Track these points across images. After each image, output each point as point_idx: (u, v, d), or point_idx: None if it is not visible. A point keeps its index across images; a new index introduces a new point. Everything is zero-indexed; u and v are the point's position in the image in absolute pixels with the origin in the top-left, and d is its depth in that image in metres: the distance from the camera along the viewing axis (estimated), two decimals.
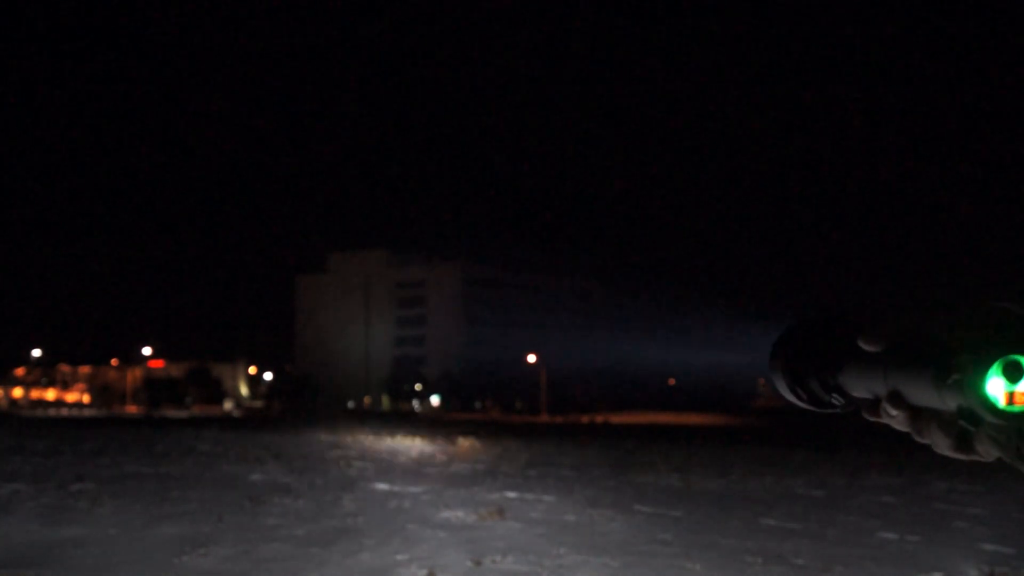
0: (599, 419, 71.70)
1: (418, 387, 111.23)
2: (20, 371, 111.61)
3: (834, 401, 0.79)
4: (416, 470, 15.38)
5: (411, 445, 22.34)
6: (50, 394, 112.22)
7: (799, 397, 0.81)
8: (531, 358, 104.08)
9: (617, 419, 70.70)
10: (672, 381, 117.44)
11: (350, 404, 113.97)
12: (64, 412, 78.08)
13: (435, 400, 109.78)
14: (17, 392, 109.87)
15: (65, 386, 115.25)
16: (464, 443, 23.29)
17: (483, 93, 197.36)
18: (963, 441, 0.66)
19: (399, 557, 7.45)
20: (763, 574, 7.01)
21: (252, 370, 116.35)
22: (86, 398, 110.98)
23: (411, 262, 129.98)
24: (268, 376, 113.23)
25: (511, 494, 11.96)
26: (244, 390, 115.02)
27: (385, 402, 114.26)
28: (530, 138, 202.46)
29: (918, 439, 0.70)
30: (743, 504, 11.36)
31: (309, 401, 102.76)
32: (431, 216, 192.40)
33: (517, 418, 78.30)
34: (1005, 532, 9.14)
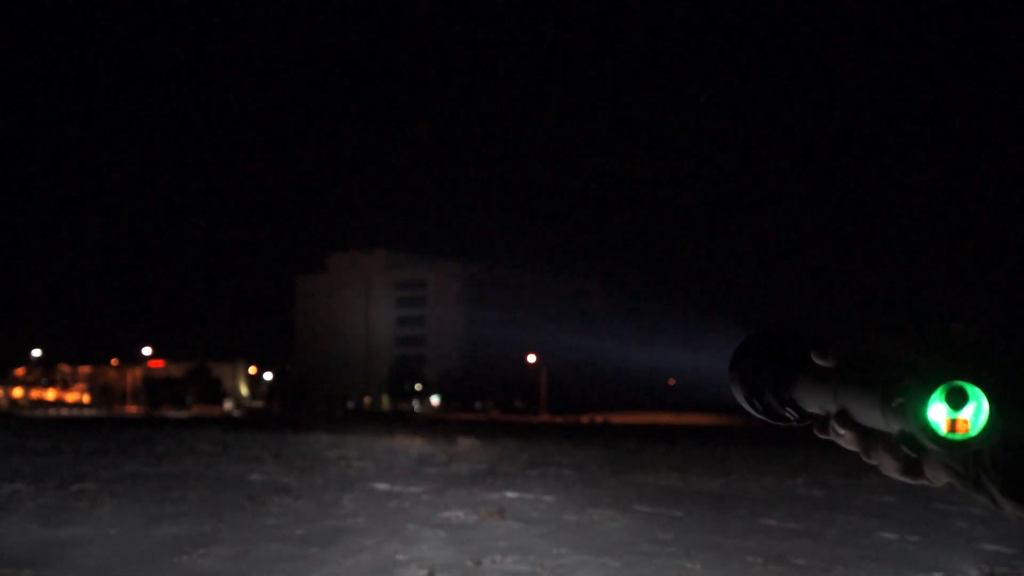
0: (599, 419, 71.72)
1: (418, 387, 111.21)
2: (20, 371, 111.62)
3: (788, 415, 0.77)
4: (416, 470, 15.37)
5: (411, 445, 22.34)
6: (50, 394, 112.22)
7: (755, 408, 0.79)
8: (531, 358, 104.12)
9: (617, 419, 70.72)
10: (672, 381, 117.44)
11: (350, 404, 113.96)
12: (64, 412, 78.05)
13: (435, 400, 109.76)
14: (17, 392, 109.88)
15: (65, 386, 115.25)
16: (464, 443, 23.29)
17: (483, 93, 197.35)
18: (910, 465, 0.64)
19: (399, 557, 7.44)
20: (763, 574, 7.01)
21: (252, 370, 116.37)
22: (86, 398, 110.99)
23: (411, 262, 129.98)
24: (268, 376, 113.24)
25: (511, 494, 11.96)
26: (244, 390, 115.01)
27: (385, 402, 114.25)
28: (530, 138, 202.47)
29: (866, 460, 0.68)
30: (743, 504, 11.36)
31: (309, 401, 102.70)
32: (431, 216, 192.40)
33: (517, 418, 78.30)
34: (1005, 532, 9.14)
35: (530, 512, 10.22)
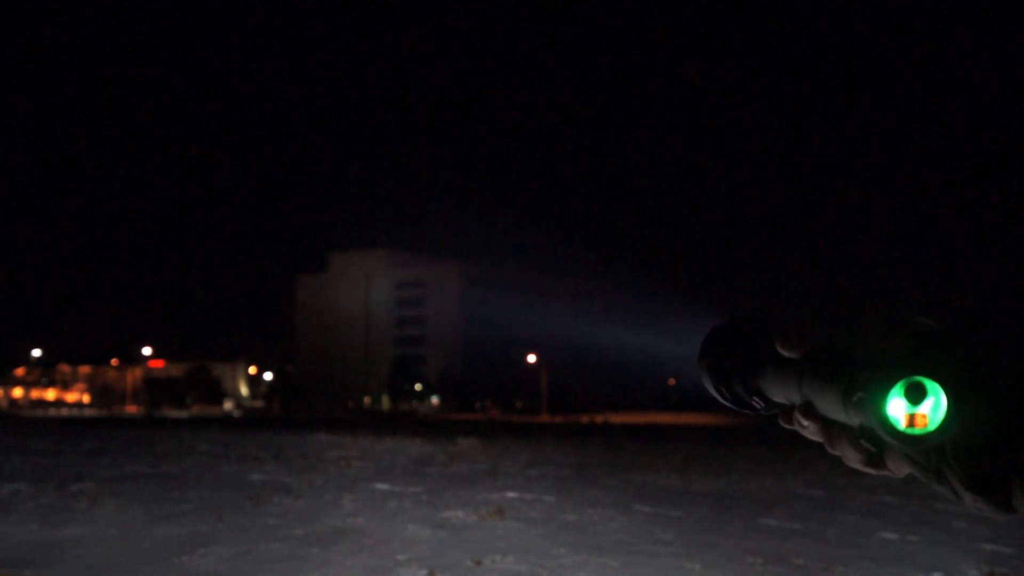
0: (599, 419, 71.70)
1: (418, 387, 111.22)
2: (20, 371, 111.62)
3: (755, 404, 0.77)
4: (416, 470, 15.37)
5: (411, 445, 22.34)
6: (50, 394, 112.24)
7: (723, 397, 0.80)
8: (531, 358, 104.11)
9: (617, 419, 70.70)
10: (672, 381, 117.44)
11: (350, 404, 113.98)
12: (64, 412, 78.02)
13: (435, 400, 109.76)
14: (17, 392, 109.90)
15: (65, 386, 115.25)
16: (464, 443, 23.28)
17: (483, 93, 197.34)
18: (873, 457, 0.64)
19: (399, 557, 7.44)
20: (763, 574, 7.01)
21: (252, 370, 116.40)
22: (86, 398, 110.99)
23: (411, 262, 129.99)
24: (268, 376, 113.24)
25: (511, 494, 11.96)
26: (244, 390, 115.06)
27: (385, 402, 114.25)
28: (530, 138, 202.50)
29: (830, 451, 0.68)
30: (743, 504, 11.35)
31: (309, 401, 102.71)
32: (431, 216, 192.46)
33: (517, 418, 78.29)
34: (1005, 532, 9.14)
35: (530, 512, 10.22)
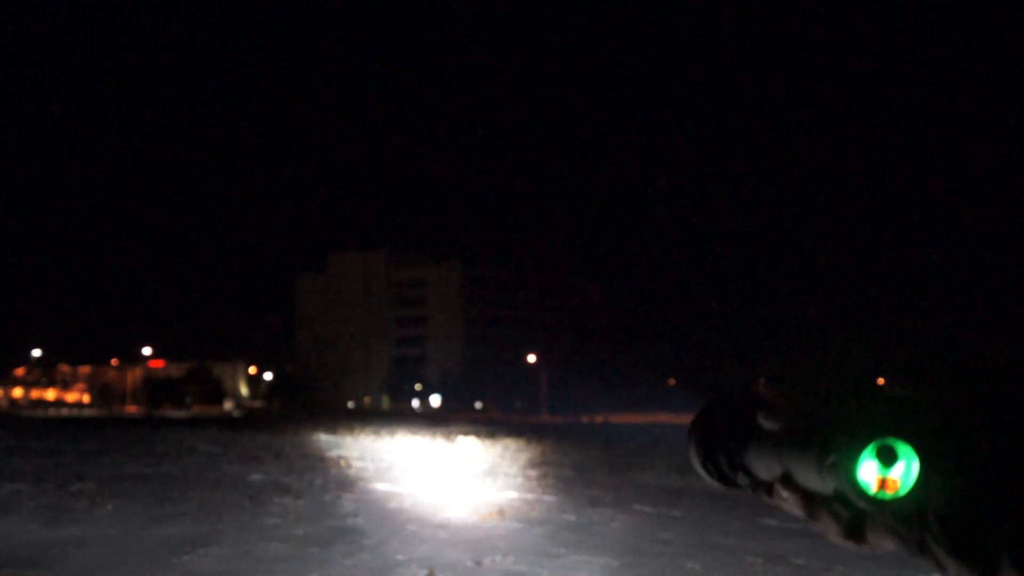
0: (599, 419, 71.69)
1: (418, 387, 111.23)
2: (20, 371, 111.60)
3: (739, 481, 0.75)
4: (416, 470, 15.38)
5: (411, 445, 22.34)
6: (50, 394, 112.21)
7: (709, 473, 0.78)
8: (531, 358, 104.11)
9: (617, 419, 70.71)
10: (672, 381, 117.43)
11: (350, 404, 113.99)
12: (64, 412, 78.06)
13: (435, 400, 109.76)
14: (17, 392, 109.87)
15: (65, 386, 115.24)
16: (464, 443, 23.28)
17: (483, 93, 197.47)
18: (852, 528, 0.61)
19: (399, 557, 7.44)
20: (763, 574, 7.01)
21: (252, 370, 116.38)
22: (86, 398, 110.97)
23: (411, 262, 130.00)
24: (268, 376, 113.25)
25: (511, 494, 11.96)
26: (244, 390, 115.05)
27: (385, 402, 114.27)
28: (530, 138, 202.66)
29: (812, 526, 0.65)
30: (743, 504, 11.35)
31: (309, 401, 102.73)
32: (431, 216, 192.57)
33: (517, 418, 78.30)
34: None
35: (530, 512, 10.22)
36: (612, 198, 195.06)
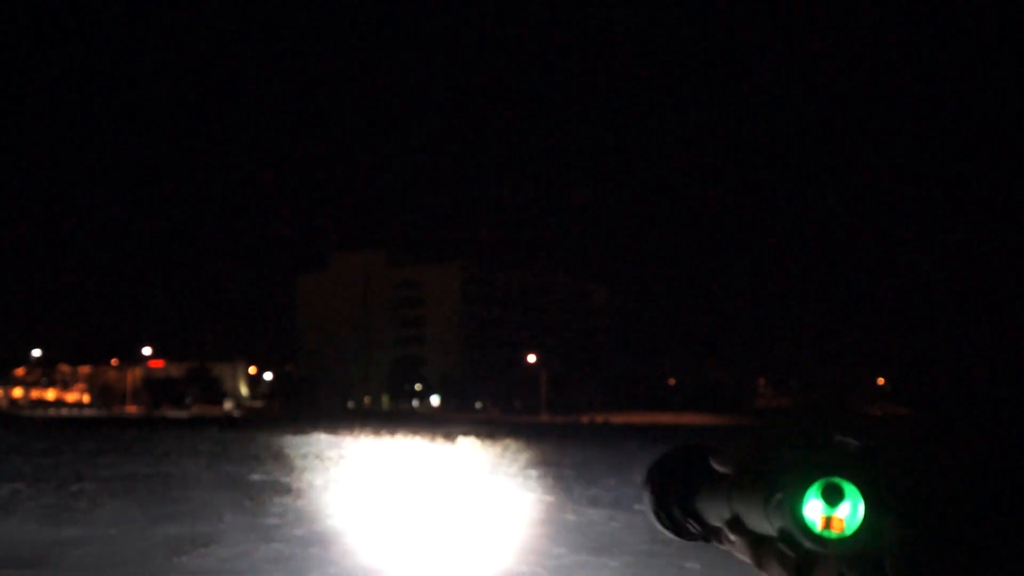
0: (599, 419, 71.71)
1: (418, 387, 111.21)
2: (20, 371, 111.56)
3: (691, 528, 0.76)
4: (417, 470, 15.38)
5: (411, 445, 22.34)
6: (50, 394, 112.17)
7: (662, 523, 0.79)
8: (531, 358, 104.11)
9: (617, 419, 70.72)
10: (672, 381, 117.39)
11: (350, 404, 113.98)
12: (64, 412, 78.05)
13: (435, 400, 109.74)
14: (17, 392, 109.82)
15: (65, 386, 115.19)
16: (464, 443, 23.28)
17: (483, 93, 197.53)
18: (801, 570, 0.60)
19: (399, 557, 7.44)
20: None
21: (252, 370, 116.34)
22: (86, 398, 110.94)
23: (411, 262, 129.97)
24: (268, 376, 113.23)
25: (512, 494, 11.96)
26: (244, 390, 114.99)
27: (385, 402, 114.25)
28: (530, 138, 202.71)
29: (758, 570, 0.64)
30: None
31: (309, 401, 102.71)
32: (431, 216, 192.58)
33: (517, 418, 78.30)
34: None
35: (531, 512, 10.22)
36: (612, 198, 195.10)
